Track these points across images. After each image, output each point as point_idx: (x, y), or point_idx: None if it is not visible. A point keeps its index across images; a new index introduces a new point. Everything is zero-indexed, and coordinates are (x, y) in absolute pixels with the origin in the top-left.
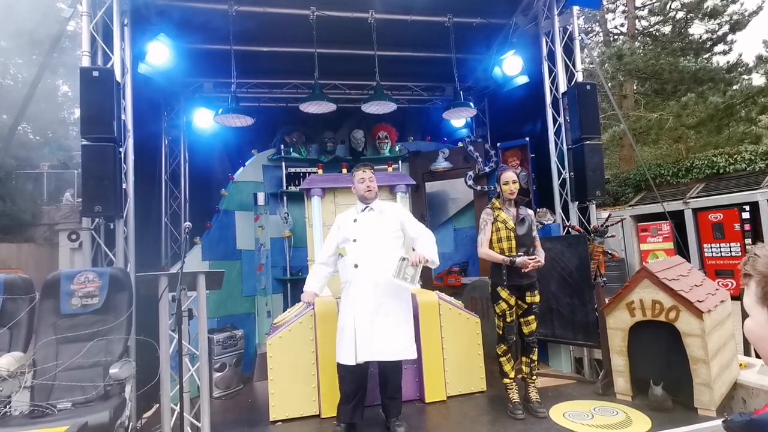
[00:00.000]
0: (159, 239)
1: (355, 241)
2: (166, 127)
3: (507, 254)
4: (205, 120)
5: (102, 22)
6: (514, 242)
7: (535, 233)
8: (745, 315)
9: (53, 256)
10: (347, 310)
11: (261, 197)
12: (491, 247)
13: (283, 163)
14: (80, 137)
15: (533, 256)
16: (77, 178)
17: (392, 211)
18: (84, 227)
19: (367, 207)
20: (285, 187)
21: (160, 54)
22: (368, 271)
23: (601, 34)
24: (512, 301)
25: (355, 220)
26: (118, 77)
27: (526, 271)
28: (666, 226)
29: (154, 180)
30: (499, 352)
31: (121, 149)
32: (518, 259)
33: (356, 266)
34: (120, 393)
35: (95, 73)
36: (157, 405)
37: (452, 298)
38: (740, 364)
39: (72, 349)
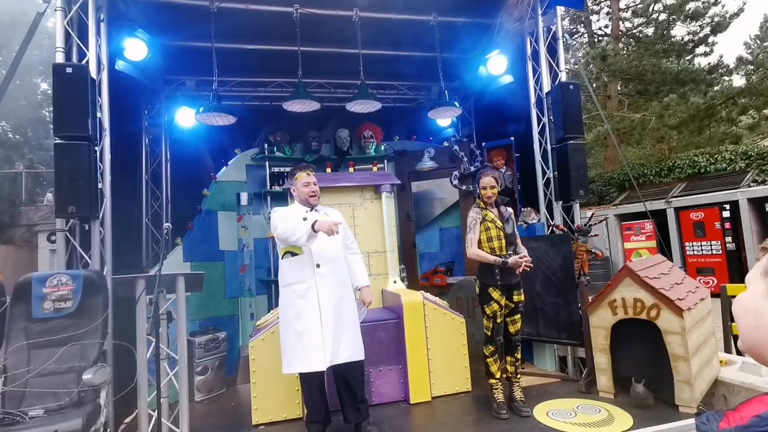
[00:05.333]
0: (140, 240)
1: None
2: (146, 125)
3: (498, 253)
4: (187, 119)
5: (77, 18)
6: (504, 241)
7: (516, 231)
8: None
9: (32, 258)
10: (309, 313)
11: (244, 197)
12: (480, 247)
13: (267, 163)
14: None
15: (523, 255)
16: None
17: (334, 214)
18: (58, 228)
19: (312, 208)
20: (269, 187)
21: (138, 50)
22: (330, 270)
23: (585, 35)
24: (503, 302)
25: (304, 219)
26: (93, 74)
27: (519, 271)
28: (649, 225)
29: (135, 180)
30: (487, 353)
31: (97, 148)
32: (511, 260)
33: (318, 266)
34: (95, 399)
35: (69, 70)
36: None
37: (437, 298)
38: (721, 361)
39: (44, 354)
